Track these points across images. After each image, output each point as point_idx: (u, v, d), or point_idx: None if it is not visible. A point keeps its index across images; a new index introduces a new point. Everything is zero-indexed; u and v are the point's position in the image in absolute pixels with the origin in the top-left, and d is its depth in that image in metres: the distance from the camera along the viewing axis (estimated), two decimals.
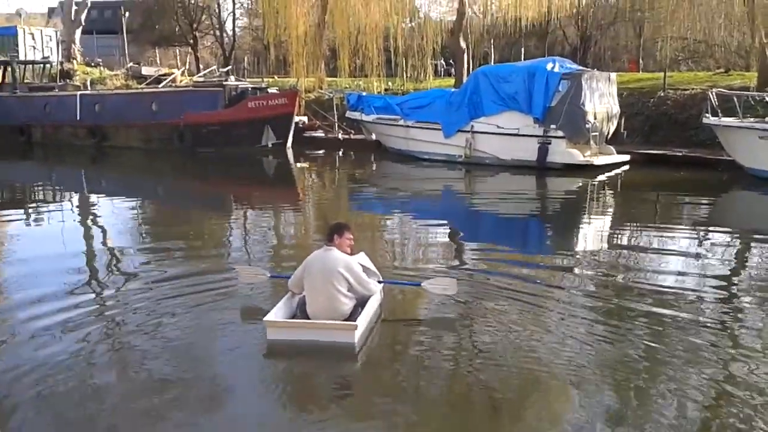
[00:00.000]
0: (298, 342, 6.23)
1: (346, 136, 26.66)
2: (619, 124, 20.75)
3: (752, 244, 11.21)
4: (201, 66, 44.72)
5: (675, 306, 7.46)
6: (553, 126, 18.87)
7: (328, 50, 35.14)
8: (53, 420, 5.12)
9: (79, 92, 29.61)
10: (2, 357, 6.14)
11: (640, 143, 21.70)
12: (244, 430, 4.99)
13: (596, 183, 17.47)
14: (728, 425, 4.95)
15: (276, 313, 6.51)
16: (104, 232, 12.77)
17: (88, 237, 12.47)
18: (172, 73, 33.52)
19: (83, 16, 39.31)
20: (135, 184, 19.98)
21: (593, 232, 12.49)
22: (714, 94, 17.78)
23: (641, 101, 23.33)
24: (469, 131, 20.32)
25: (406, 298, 7.76)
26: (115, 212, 14.74)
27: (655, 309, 7.29)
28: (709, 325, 6.92)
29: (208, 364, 6.03)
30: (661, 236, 11.57)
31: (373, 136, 24.17)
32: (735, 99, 17.59)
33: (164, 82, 31.12)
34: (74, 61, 37.68)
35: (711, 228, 12.59)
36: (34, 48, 35.24)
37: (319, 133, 27.95)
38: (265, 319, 6.37)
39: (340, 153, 25.57)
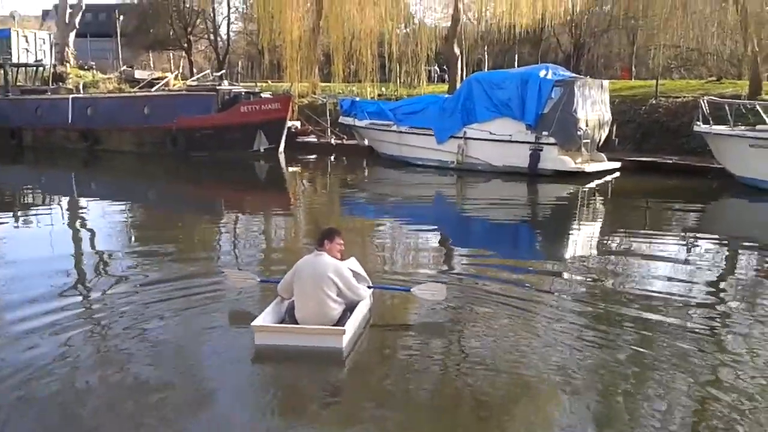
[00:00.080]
0: (286, 347, 6.20)
1: (339, 142, 26.67)
2: (610, 131, 20.83)
3: (741, 252, 11.24)
4: (194, 70, 44.74)
5: (663, 311, 7.47)
6: (545, 133, 18.92)
7: (323, 55, 35.21)
8: (36, 423, 5.07)
9: (71, 95, 29.59)
10: None
11: (631, 150, 21.78)
12: None
13: (587, 190, 17.51)
14: (715, 430, 4.95)
15: (264, 318, 6.48)
16: (93, 235, 12.72)
17: (76, 240, 12.42)
18: (166, 77, 33.50)
19: (77, 19, 39.25)
20: (127, 187, 19.92)
21: (583, 239, 12.51)
22: (705, 102, 17.85)
23: (633, 109, 23.42)
24: (461, 137, 20.35)
25: (396, 303, 7.75)
26: (106, 216, 14.68)
27: (643, 314, 7.30)
28: (696, 330, 6.93)
29: (195, 369, 5.99)
30: (651, 243, 11.58)
31: (366, 142, 24.18)
32: (726, 107, 17.66)
33: (157, 86, 31.08)
34: (67, 64, 37.62)
35: (700, 235, 12.66)
36: (27, 51, 35.24)
37: (312, 138, 27.96)
38: (253, 323, 6.34)
39: (333, 158, 25.57)
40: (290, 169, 24.03)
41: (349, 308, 6.64)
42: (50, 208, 16.36)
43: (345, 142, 26.33)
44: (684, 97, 23.19)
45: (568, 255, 11.08)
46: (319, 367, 6.06)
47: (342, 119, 24.74)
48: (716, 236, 12.53)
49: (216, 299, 7.70)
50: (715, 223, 14.56)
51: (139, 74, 36.57)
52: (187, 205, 16.68)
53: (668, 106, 22.88)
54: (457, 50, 29.80)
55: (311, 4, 32.19)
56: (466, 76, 27.02)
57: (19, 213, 15.28)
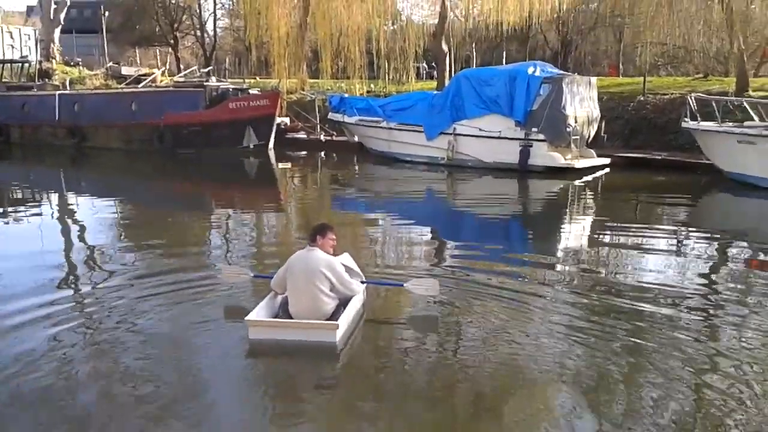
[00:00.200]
0: (279, 341, 6.20)
1: (329, 138, 26.63)
2: (599, 127, 20.89)
3: (730, 245, 11.35)
4: (181, 66, 44.50)
5: (656, 303, 7.55)
6: (534, 129, 18.97)
7: (310, 52, 35.08)
8: (27, 417, 5.04)
9: (58, 92, 29.33)
10: None
11: (620, 147, 21.86)
12: (225, 429, 4.93)
13: (577, 186, 17.59)
14: (711, 419, 4.99)
15: (258, 313, 6.48)
16: (84, 231, 12.63)
17: (67, 236, 12.34)
18: (153, 73, 33.29)
19: (62, 15, 38.93)
20: (116, 184, 19.78)
21: (575, 233, 12.57)
22: (693, 98, 17.96)
23: (621, 105, 23.53)
24: (451, 134, 20.37)
25: (389, 298, 7.75)
26: (95, 212, 14.57)
27: (636, 306, 7.37)
28: (690, 320, 7.01)
29: (189, 363, 5.97)
30: (642, 237, 11.66)
31: (356, 138, 24.14)
32: (714, 104, 17.78)
33: (144, 82, 30.90)
34: (53, 61, 37.30)
35: (691, 229, 12.80)
36: (12, 47, 34.94)
37: (302, 135, 27.89)
38: (246, 318, 6.33)
39: (323, 154, 25.53)
40: (280, 165, 23.98)
41: (343, 303, 6.64)
42: (39, 205, 16.23)
43: (335, 138, 26.29)
44: (671, 94, 23.34)
45: (560, 249, 11.13)
46: (313, 362, 6.06)
47: (331, 116, 24.68)
48: (706, 230, 12.65)
49: (209, 294, 7.67)
50: (704, 218, 14.69)
51: (125, 70, 36.29)
52: (176, 202, 16.58)
53: (656, 103, 23.00)
54: (445, 47, 29.82)
55: (298, 1, 32.11)
56: (455, 72, 27.01)
57: (9, 209, 15.14)
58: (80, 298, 7.84)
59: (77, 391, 5.46)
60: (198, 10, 48.96)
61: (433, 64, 35.71)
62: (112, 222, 13.68)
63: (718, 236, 12.04)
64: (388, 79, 30.84)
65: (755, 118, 17.12)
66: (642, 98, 23.56)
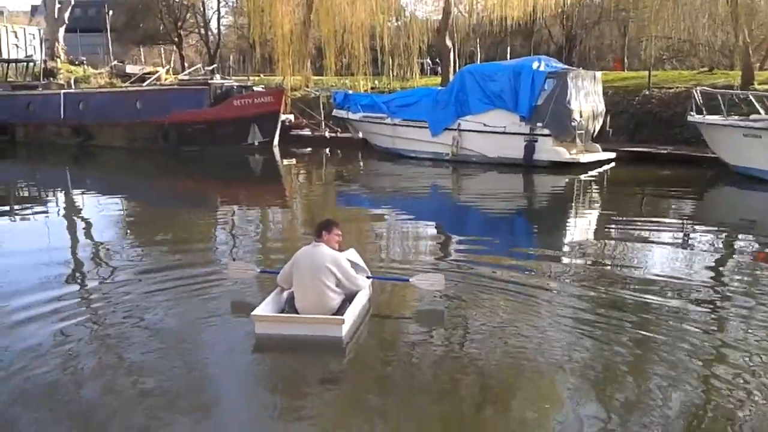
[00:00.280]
0: (286, 336, 6.21)
1: (333, 135, 26.64)
2: (604, 122, 20.86)
3: (737, 238, 11.30)
4: (186, 64, 44.58)
5: (662, 296, 7.54)
6: (539, 124, 18.93)
7: (314, 49, 35.09)
8: (32, 412, 5.06)
9: (63, 91, 29.39)
10: None
11: (625, 141, 21.82)
12: (232, 424, 4.94)
13: (582, 180, 17.55)
14: (720, 410, 4.98)
15: (264, 308, 6.50)
16: (87, 229, 12.68)
17: (70, 234, 12.37)
18: (157, 72, 33.34)
19: (67, 14, 38.96)
20: (119, 182, 19.82)
21: (580, 228, 12.55)
22: (698, 92, 17.90)
23: (626, 99, 23.46)
24: (455, 129, 20.35)
25: (395, 293, 7.76)
26: (102, 210, 14.62)
27: (642, 300, 7.36)
28: (696, 314, 7.00)
29: (196, 358, 5.98)
30: (649, 231, 11.63)
31: (360, 135, 24.14)
32: (719, 97, 17.73)
33: (149, 81, 30.94)
34: (58, 60, 37.35)
35: (697, 223, 12.76)
36: (17, 46, 35.04)
37: (306, 132, 27.91)
38: (253, 313, 6.36)
39: (327, 151, 25.53)
40: (285, 162, 24.00)
41: (349, 298, 6.66)
42: (45, 203, 16.30)
43: (339, 135, 26.31)
44: (676, 87, 23.25)
45: (566, 243, 11.13)
46: (320, 357, 6.07)
47: (336, 112, 24.67)
48: (712, 223, 12.61)
49: (216, 289, 7.71)
50: (710, 211, 14.65)
51: (130, 69, 36.35)
52: (182, 199, 16.60)
53: (661, 97, 22.93)
54: (449, 43, 29.78)
55: None
56: (459, 68, 26.98)
57: (15, 208, 15.21)
58: (86, 293, 7.89)
59: (83, 385, 5.48)
60: (202, 8, 49.11)
61: (437, 59, 35.62)
62: (117, 219, 13.71)
63: (724, 229, 12.01)
64: (393, 75, 30.80)
65: (761, 111, 17.07)
66: (647, 92, 23.49)
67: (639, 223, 12.43)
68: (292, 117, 28.35)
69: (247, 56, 46.70)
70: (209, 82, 26.94)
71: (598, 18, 38.82)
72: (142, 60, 45.00)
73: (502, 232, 12.18)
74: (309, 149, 26.13)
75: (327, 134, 26.79)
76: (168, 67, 36.46)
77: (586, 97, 19.62)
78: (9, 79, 32.52)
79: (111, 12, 42.49)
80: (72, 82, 32.82)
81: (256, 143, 25.40)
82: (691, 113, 17.70)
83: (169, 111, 25.32)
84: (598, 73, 21.50)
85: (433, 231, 12.29)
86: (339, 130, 26.42)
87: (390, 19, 32.29)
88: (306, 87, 31.39)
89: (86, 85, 33.63)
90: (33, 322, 6.68)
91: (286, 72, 30.87)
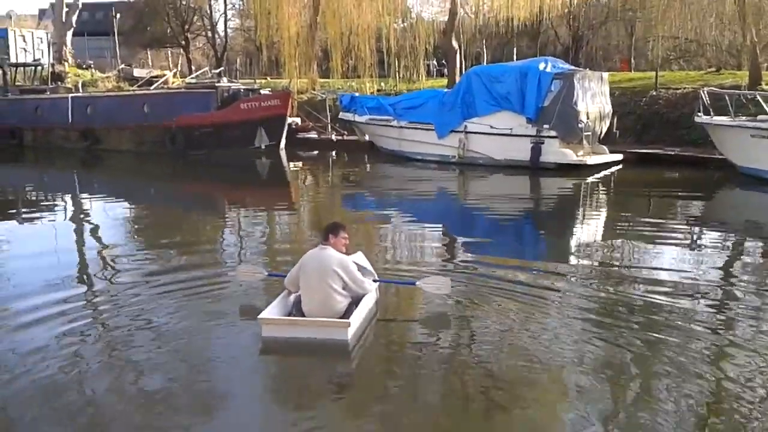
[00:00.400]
0: (292, 339, 6.23)
1: (340, 137, 26.64)
2: (611, 123, 20.78)
3: (745, 240, 11.27)
4: (193, 67, 44.64)
5: (671, 297, 7.53)
6: (545, 126, 18.88)
7: (321, 51, 35.11)
8: (39, 412, 5.08)
9: (70, 95, 29.51)
10: None
11: (632, 142, 21.75)
12: (238, 426, 4.95)
13: (589, 182, 17.52)
14: (730, 411, 4.97)
15: (271, 311, 6.52)
16: (95, 233, 12.72)
17: (78, 238, 12.41)
18: (164, 75, 33.44)
19: (74, 18, 39.16)
20: (127, 186, 19.91)
21: (587, 231, 12.52)
22: (706, 92, 17.83)
23: (633, 100, 23.39)
24: (462, 131, 20.32)
25: (401, 296, 7.76)
26: (107, 214, 14.67)
27: (651, 302, 7.35)
28: (706, 315, 7.01)
29: (202, 360, 6.01)
30: (656, 233, 11.60)
31: (367, 137, 24.14)
32: (727, 98, 17.66)
33: (156, 84, 31.02)
34: (65, 64, 37.52)
35: (705, 225, 12.72)
36: (25, 50, 35.07)
37: (313, 135, 27.91)
38: (259, 316, 6.38)
39: (334, 154, 25.54)
40: (292, 165, 24.02)
41: (355, 302, 6.66)
42: (53, 207, 16.40)
43: (346, 137, 26.30)
44: (684, 88, 23.16)
45: (573, 246, 11.10)
46: (326, 360, 6.08)
47: (342, 115, 24.68)
48: (720, 226, 12.59)
49: (223, 292, 7.76)
50: (718, 213, 14.60)
51: (137, 72, 36.46)
52: (191, 202, 16.68)
53: (668, 98, 22.85)
54: (455, 44, 29.76)
55: (308, 0, 32.14)
56: (465, 70, 26.97)
57: (23, 211, 15.31)
58: (93, 295, 7.95)
59: (89, 386, 5.51)
60: (209, 11, 49.21)
61: (444, 61, 35.65)
62: (125, 222, 13.77)
63: (732, 230, 12.00)
64: (399, 77, 30.82)
65: None
66: (654, 93, 23.41)
67: (646, 225, 12.41)
68: (298, 120, 28.38)
69: (254, 59, 46.83)
70: (216, 85, 26.95)
71: (605, 18, 38.75)
72: (150, 63, 45.21)
73: (508, 234, 12.18)
74: (315, 152, 26.15)
75: (333, 137, 26.81)
76: (175, 70, 36.57)
77: (593, 99, 19.57)
78: (17, 83, 32.66)
79: (118, 15, 42.68)
80: (80, 85, 32.97)
81: (263, 146, 25.41)
82: (699, 114, 17.63)
83: (176, 114, 25.38)
84: (605, 74, 21.44)
85: (439, 234, 12.29)
86: (345, 132, 26.41)
87: (396, 21, 32.35)
88: (312, 90, 31.42)
89: (94, 88, 33.76)
90: (40, 324, 6.73)
91: (292, 75, 30.91)
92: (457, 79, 25.37)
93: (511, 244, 11.29)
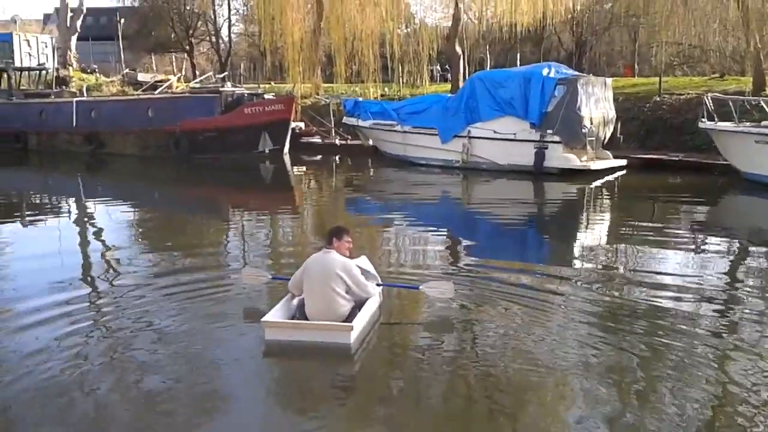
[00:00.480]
0: (295, 342, 6.23)
1: (343, 142, 26.68)
2: (615, 128, 20.81)
3: (750, 247, 11.22)
4: (197, 72, 44.78)
5: (675, 306, 7.49)
6: (549, 131, 18.90)
7: (325, 56, 35.21)
8: (41, 412, 5.10)
9: (75, 99, 29.55)
10: None
11: (636, 148, 21.75)
12: (240, 429, 4.96)
13: (593, 188, 17.51)
14: (730, 423, 4.95)
15: (274, 314, 6.53)
16: (101, 239, 12.73)
17: (82, 241, 12.44)
18: (168, 80, 33.52)
19: (79, 23, 39.25)
20: (131, 190, 19.92)
21: (590, 238, 12.49)
22: (709, 98, 17.84)
23: (637, 106, 23.41)
24: (465, 136, 20.34)
25: (405, 300, 7.76)
26: (111, 218, 14.71)
27: (654, 309, 7.33)
28: (709, 321, 7.00)
29: (206, 363, 6.00)
30: (660, 239, 11.58)
31: (370, 142, 24.17)
32: (731, 103, 17.66)
33: (160, 89, 31.09)
34: (70, 68, 37.60)
35: (709, 231, 12.71)
36: (30, 55, 35.29)
37: (316, 139, 27.96)
38: (263, 319, 6.39)
39: (337, 159, 25.57)
40: (295, 169, 24.04)
41: (359, 305, 6.67)
42: (57, 210, 16.43)
43: (349, 142, 26.34)
44: (687, 94, 23.19)
45: (577, 251, 11.08)
46: (329, 363, 6.08)
47: (346, 119, 24.72)
48: (724, 231, 12.57)
49: (227, 295, 7.79)
50: (722, 219, 14.59)
51: (141, 77, 36.54)
52: (195, 206, 16.69)
53: (672, 104, 22.87)
54: (458, 49, 29.83)
55: (312, 6, 32.24)
56: (469, 75, 27.01)
57: (28, 214, 15.36)
58: (97, 298, 7.97)
59: (91, 387, 5.52)
60: (213, 16, 49.38)
61: (447, 66, 35.69)
62: (129, 226, 13.79)
63: (736, 236, 11.97)
64: (402, 82, 30.87)
65: None
66: (658, 99, 23.43)
67: (650, 230, 12.38)
68: (302, 124, 28.42)
69: (258, 64, 46.93)
70: (220, 89, 27.00)
71: (609, 24, 38.76)
72: (154, 68, 45.31)
73: (512, 239, 12.17)
74: (319, 156, 26.19)
75: (337, 141, 26.85)
76: (179, 75, 36.66)
77: (597, 104, 19.59)
78: (22, 88, 32.74)
79: (123, 20, 42.82)
80: (84, 90, 33.03)
81: (267, 151, 25.44)
82: (703, 120, 17.64)
83: (180, 119, 25.42)
84: (609, 80, 21.45)
85: (443, 238, 12.28)
86: (349, 137, 26.45)
87: (400, 26, 32.38)
88: (316, 94, 31.48)
89: (98, 93, 33.82)
90: (43, 325, 6.77)
91: (296, 79, 30.99)
92: (461, 84, 25.43)
93: (515, 249, 11.28)
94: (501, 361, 5.96)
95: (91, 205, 17.05)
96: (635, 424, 4.89)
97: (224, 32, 50.50)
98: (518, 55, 38.02)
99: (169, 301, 7.56)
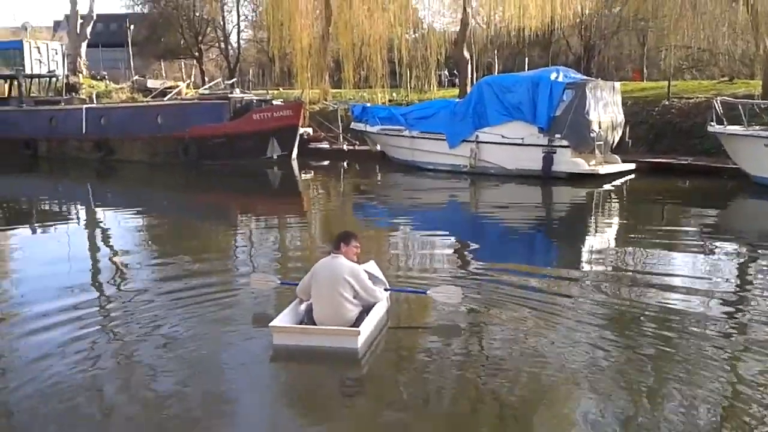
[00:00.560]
0: (303, 347, 6.25)
1: (351, 147, 26.70)
2: (623, 132, 20.73)
3: (759, 250, 11.13)
4: (206, 78, 44.97)
5: (684, 308, 7.48)
6: (557, 135, 18.85)
7: (333, 62, 35.25)
8: (51, 416, 5.14)
9: (85, 105, 29.70)
10: (6, 366, 6.18)
11: (644, 152, 21.67)
12: None
13: (602, 192, 17.46)
14: (741, 424, 4.93)
15: (282, 319, 6.55)
16: (110, 244, 12.79)
17: (92, 247, 12.52)
18: (178, 86, 33.65)
19: (89, 30, 39.47)
20: (141, 196, 20.01)
21: (599, 241, 12.46)
22: (719, 102, 17.77)
23: (645, 110, 23.32)
24: (473, 141, 20.32)
25: (412, 305, 7.76)
26: (123, 223, 14.75)
27: (664, 311, 7.33)
28: (719, 328, 6.94)
29: (214, 368, 6.04)
30: (669, 243, 11.54)
31: (378, 147, 24.20)
32: (740, 107, 17.59)
33: (169, 95, 31.22)
34: (80, 75, 37.82)
35: (719, 235, 12.62)
36: (40, 61, 35.50)
37: (324, 145, 27.99)
38: (271, 324, 6.41)
39: (345, 164, 25.59)
40: (303, 175, 24.09)
41: (366, 310, 6.67)
42: (67, 219, 16.46)
43: (357, 147, 26.36)
44: (696, 97, 23.09)
45: (585, 256, 11.04)
46: (337, 369, 6.10)
47: (354, 125, 24.75)
48: (734, 235, 12.51)
49: (235, 300, 7.82)
50: (731, 222, 14.53)
51: (151, 83, 36.68)
52: (202, 213, 16.73)
53: (681, 107, 22.78)
54: (466, 54, 29.80)
55: (320, 12, 32.30)
56: (477, 80, 27.00)
57: (38, 220, 15.44)
58: (106, 302, 8.03)
59: (99, 391, 5.57)
60: (222, 23, 49.59)
61: (455, 71, 35.68)
62: (138, 231, 13.85)
63: (746, 239, 11.91)
64: (410, 87, 30.86)
65: None
66: (667, 102, 23.35)
67: (659, 233, 12.36)
68: (310, 130, 28.47)
69: (267, 70, 47.10)
70: (229, 96, 27.04)
71: (617, 28, 38.68)
72: (163, 74, 45.48)
73: (520, 244, 12.16)
74: (327, 162, 26.22)
75: (345, 147, 26.87)
76: (188, 81, 36.79)
77: (605, 108, 19.54)
78: (32, 94, 32.94)
79: (132, 27, 43.02)
80: (94, 96, 33.21)
81: (275, 156, 25.48)
82: (712, 123, 17.57)
83: (189, 125, 25.50)
84: (617, 84, 21.42)
85: (451, 243, 12.27)
86: (357, 142, 26.47)
87: (408, 32, 32.38)
88: (324, 100, 31.51)
89: (108, 99, 34.01)
90: (51, 330, 6.82)
91: (304, 85, 31.03)
92: (469, 89, 25.39)
93: (523, 252, 11.27)
94: (510, 364, 5.96)
95: (100, 212, 17.13)
96: (646, 425, 4.88)
97: (233, 38, 50.82)
98: (526, 59, 38.00)
99: (177, 305, 7.59)
